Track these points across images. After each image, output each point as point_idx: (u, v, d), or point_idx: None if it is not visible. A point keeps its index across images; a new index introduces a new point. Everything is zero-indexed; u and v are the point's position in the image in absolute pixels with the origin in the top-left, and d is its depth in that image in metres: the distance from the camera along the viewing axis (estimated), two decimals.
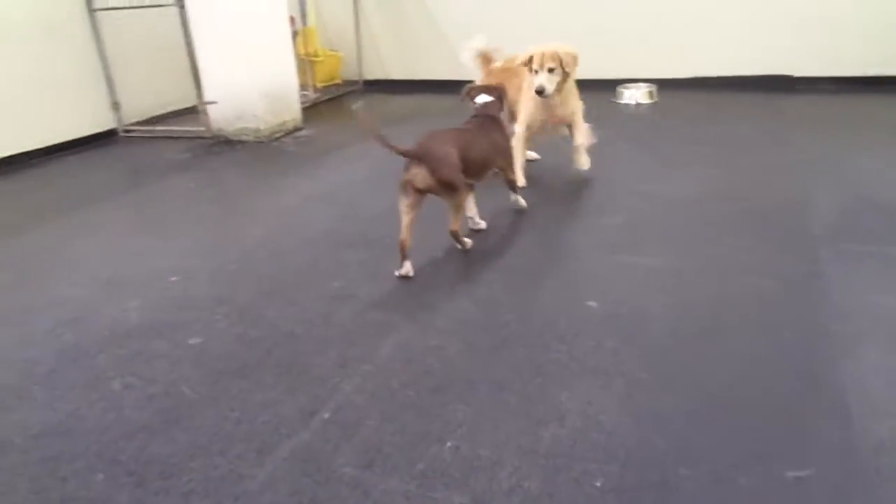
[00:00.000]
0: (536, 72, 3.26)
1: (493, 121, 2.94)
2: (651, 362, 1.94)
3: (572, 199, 3.34)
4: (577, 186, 3.51)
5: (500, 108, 3.02)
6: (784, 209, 3.00)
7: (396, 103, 6.18)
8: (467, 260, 2.71)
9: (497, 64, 3.86)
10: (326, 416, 1.80)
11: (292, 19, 5.84)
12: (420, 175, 2.50)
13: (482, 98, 2.98)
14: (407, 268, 2.58)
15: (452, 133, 2.72)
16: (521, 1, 5.97)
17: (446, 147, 2.58)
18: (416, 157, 2.52)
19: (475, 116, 2.94)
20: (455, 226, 2.68)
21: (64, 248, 3.15)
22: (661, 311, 2.22)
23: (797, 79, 5.36)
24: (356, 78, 6.91)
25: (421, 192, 2.55)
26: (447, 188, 2.55)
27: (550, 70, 3.25)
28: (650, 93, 5.35)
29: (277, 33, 5.07)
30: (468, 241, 2.78)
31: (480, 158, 2.77)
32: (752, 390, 1.80)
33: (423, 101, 6.11)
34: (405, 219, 2.56)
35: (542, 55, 3.25)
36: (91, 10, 4.99)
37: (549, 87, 3.25)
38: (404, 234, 2.56)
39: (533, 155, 3.89)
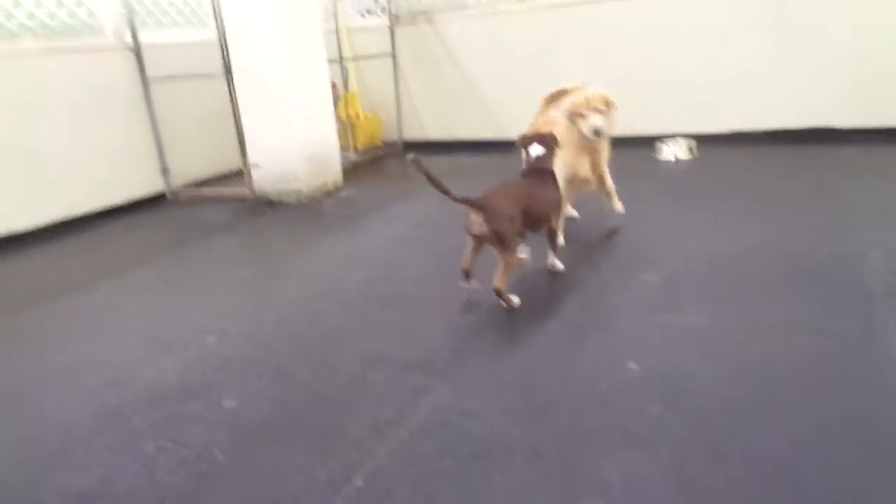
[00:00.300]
0: (583, 115, 3.22)
1: (547, 174, 2.97)
2: (698, 429, 1.85)
3: (611, 256, 3.28)
4: (616, 243, 3.46)
5: (553, 160, 3.02)
6: (836, 264, 2.88)
7: (434, 163, 6.20)
8: (505, 320, 2.67)
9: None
10: (359, 483, 1.75)
11: (335, 85, 6.03)
12: (476, 223, 2.64)
13: (536, 149, 2.98)
14: (473, 284, 2.81)
15: (515, 187, 2.83)
16: (555, 59, 6.04)
17: (506, 200, 2.68)
18: (473, 205, 2.64)
19: (532, 169, 2.97)
20: (500, 283, 2.68)
21: (110, 309, 3.22)
22: (707, 373, 2.12)
23: (842, 131, 5.25)
24: (396, 139, 7.05)
25: (479, 240, 2.69)
26: (498, 239, 2.63)
27: (599, 111, 3.21)
28: (690, 148, 5.30)
29: (320, 99, 5.22)
30: (514, 298, 2.76)
31: (538, 213, 2.85)
32: (811, 460, 1.69)
33: (460, 160, 6.17)
34: (469, 256, 2.78)
35: (591, 97, 3.22)
36: (144, 80, 5.24)
37: (604, 128, 3.22)
38: (465, 263, 2.80)
39: (573, 213, 3.86)
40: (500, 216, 2.62)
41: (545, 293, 2.91)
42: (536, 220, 2.86)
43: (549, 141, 3.00)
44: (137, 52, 5.19)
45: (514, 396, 2.10)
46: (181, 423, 2.11)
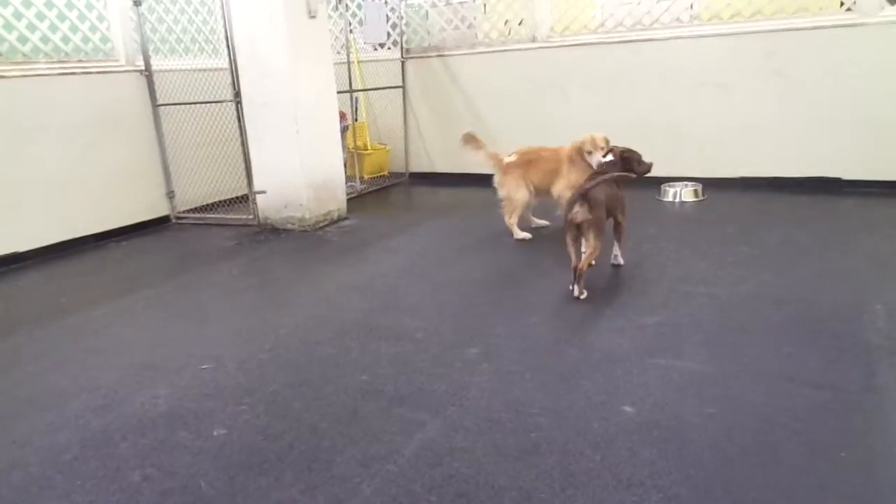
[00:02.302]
0: (591, 153, 4.01)
1: (615, 178, 3.44)
2: (689, 477, 1.81)
3: (611, 296, 3.26)
4: (617, 283, 3.44)
5: (617, 167, 3.53)
6: (838, 316, 2.85)
7: (441, 195, 6.29)
8: (499, 357, 2.64)
9: (512, 157, 4.50)
10: None
11: (344, 115, 6.09)
12: (581, 212, 3.12)
13: (607, 157, 3.63)
14: (580, 289, 3.19)
15: (603, 185, 3.24)
16: (563, 98, 6.11)
17: (600, 194, 3.18)
18: (581, 196, 3.13)
19: (599, 172, 3.49)
20: (586, 265, 3.15)
21: (105, 332, 3.21)
22: (702, 421, 2.09)
23: (846, 181, 5.25)
24: (402, 170, 7.09)
25: (579, 228, 3.15)
26: (597, 226, 3.14)
27: (601, 149, 3.90)
28: (695, 191, 5.31)
29: (327, 128, 5.26)
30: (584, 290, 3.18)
31: (614, 208, 3.38)
32: None
33: (466, 193, 6.20)
34: (572, 250, 3.20)
35: (595, 138, 4.02)
36: (154, 105, 5.31)
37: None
38: (574, 261, 3.19)
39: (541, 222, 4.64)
40: (600, 206, 3.15)
41: (540, 331, 2.89)
42: (611, 214, 3.36)
43: (615, 151, 3.60)
44: (149, 76, 5.27)
45: (506, 435, 2.07)
46: (169, 452, 2.09)
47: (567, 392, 2.33)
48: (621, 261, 3.62)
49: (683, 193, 5.32)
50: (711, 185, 5.42)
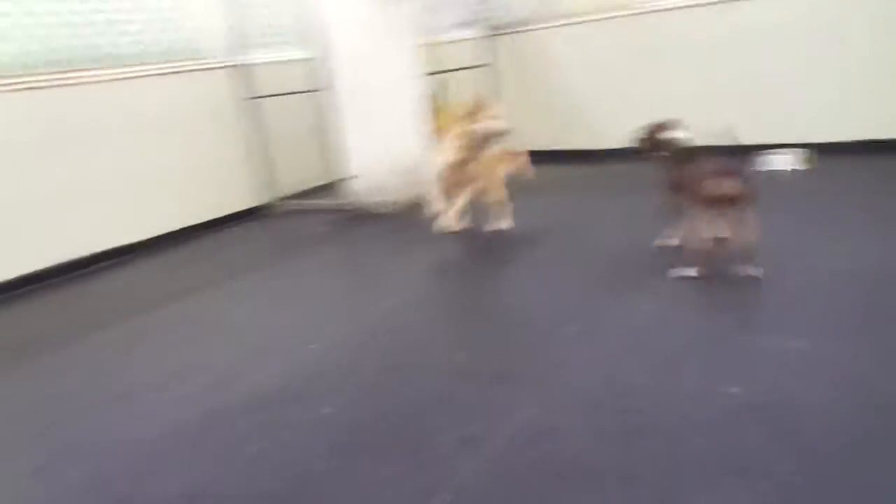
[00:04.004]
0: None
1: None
2: (804, 465, 1.73)
3: (719, 274, 3.13)
4: (721, 259, 3.30)
5: None
6: None
7: (536, 174, 6.21)
8: (599, 336, 2.61)
9: None
10: (448, 498, 1.76)
11: (431, 96, 6.11)
12: (730, 185, 2.85)
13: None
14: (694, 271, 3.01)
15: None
16: (658, 66, 5.87)
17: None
18: (734, 170, 2.90)
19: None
20: (753, 236, 2.89)
21: (216, 316, 3.40)
22: (818, 404, 1.99)
23: None
24: None
25: (731, 202, 2.87)
26: (752, 197, 2.87)
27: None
28: (808, 158, 4.99)
29: (417, 112, 5.31)
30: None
31: None
32: None
33: (557, 170, 6.11)
34: (708, 228, 2.97)
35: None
36: (249, 98, 5.52)
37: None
38: (708, 245, 2.97)
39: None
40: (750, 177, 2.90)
41: (642, 309, 2.82)
42: None
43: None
44: (243, 70, 5.48)
45: (606, 416, 2.05)
46: (281, 428, 2.20)
47: (671, 372, 2.27)
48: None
49: (795, 160, 5.01)
50: (828, 150, 5.07)
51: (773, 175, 4.92)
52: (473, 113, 3.83)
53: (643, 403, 2.10)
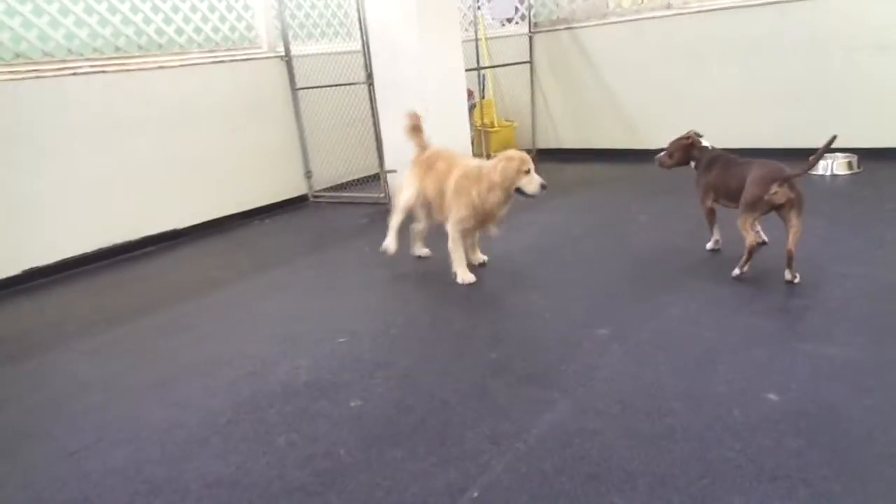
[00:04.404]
0: (529, 172, 3.19)
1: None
2: (844, 472, 1.68)
3: (755, 276, 3.06)
4: (762, 262, 3.23)
5: None
6: None
7: (568, 171, 6.17)
8: (631, 338, 2.57)
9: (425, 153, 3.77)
10: (475, 494, 1.75)
11: (471, 93, 6.11)
12: (783, 192, 2.84)
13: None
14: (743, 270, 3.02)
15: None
16: (701, 69, 5.77)
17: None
18: (783, 178, 2.86)
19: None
20: (794, 244, 2.88)
21: (251, 305, 3.45)
22: (859, 412, 1.93)
23: None
24: (529, 147, 7.02)
25: (780, 208, 2.89)
26: (802, 203, 2.89)
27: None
28: (850, 163, 4.86)
29: (456, 107, 5.30)
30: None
31: None
32: None
33: (594, 169, 6.06)
34: (751, 229, 2.96)
35: (525, 158, 3.23)
36: (294, 89, 5.59)
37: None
38: (753, 240, 2.96)
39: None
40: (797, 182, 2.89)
41: (674, 312, 2.78)
42: None
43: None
44: (289, 62, 5.54)
45: (638, 418, 2.02)
46: (311, 420, 2.22)
47: (703, 376, 2.23)
48: (765, 238, 3.36)
49: (836, 165, 4.88)
50: (868, 157, 4.93)
51: (814, 180, 4.80)
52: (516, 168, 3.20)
53: (674, 406, 2.06)
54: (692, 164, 3.41)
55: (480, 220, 3.36)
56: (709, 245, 3.42)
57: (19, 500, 1.97)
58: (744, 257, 2.99)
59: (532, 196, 3.21)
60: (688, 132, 3.44)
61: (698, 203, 3.37)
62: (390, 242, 3.68)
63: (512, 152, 3.28)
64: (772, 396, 2.05)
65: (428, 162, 3.61)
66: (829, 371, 2.17)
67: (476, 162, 3.47)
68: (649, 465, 1.80)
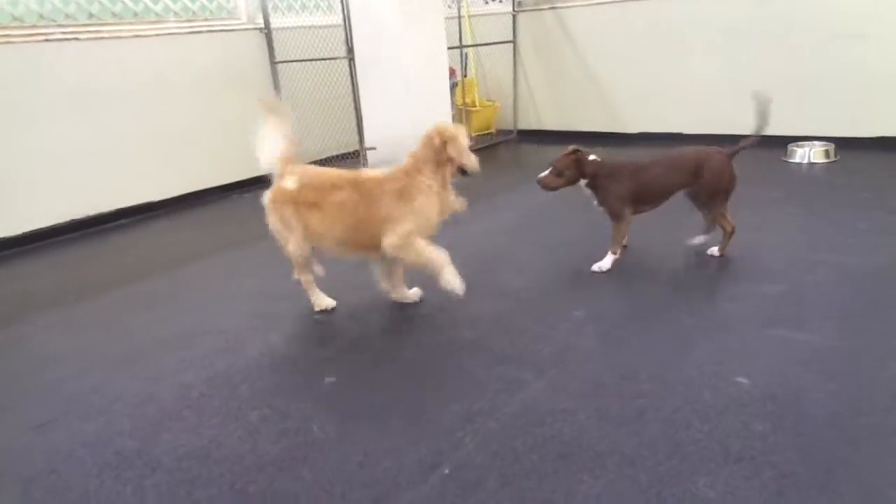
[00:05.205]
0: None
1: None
2: (808, 454, 1.72)
3: (728, 262, 3.10)
4: (735, 249, 3.26)
5: None
6: None
7: (549, 153, 6.12)
8: (605, 320, 2.60)
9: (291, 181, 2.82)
10: (446, 471, 1.76)
11: (453, 71, 6.06)
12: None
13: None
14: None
15: None
16: (683, 51, 5.78)
17: None
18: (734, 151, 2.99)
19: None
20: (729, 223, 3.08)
21: (228, 280, 3.42)
22: (824, 397, 1.97)
23: None
24: (510, 128, 7.01)
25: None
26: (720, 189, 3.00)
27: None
28: (826, 151, 4.92)
29: (438, 85, 5.27)
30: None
31: None
32: None
33: None
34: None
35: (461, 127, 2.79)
36: (273, 62, 5.50)
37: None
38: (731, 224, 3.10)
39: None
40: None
41: (651, 296, 2.81)
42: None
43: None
44: (268, 34, 5.44)
45: (611, 399, 2.04)
46: (284, 395, 2.21)
47: (676, 359, 2.26)
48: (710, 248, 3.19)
49: (813, 154, 4.94)
50: (844, 145, 5.00)
51: (791, 168, 4.86)
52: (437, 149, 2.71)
53: (646, 388, 2.09)
54: (582, 182, 3.09)
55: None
56: (611, 259, 3.12)
57: None
58: (725, 240, 3.10)
59: (475, 173, 2.78)
60: (571, 147, 3.11)
61: (611, 222, 3.09)
62: (321, 300, 2.89)
63: (444, 123, 2.78)
64: (741, 380, 2.09)
65: (306, 194, 2.72)
66: (799, 356, 2.21)
67: (376, 171, 2.78)
68: (618, 445, 1.82)
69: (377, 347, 2.51)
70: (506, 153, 6.40)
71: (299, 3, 5.83)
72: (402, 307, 2.88)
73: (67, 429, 2.12)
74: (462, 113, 6.61)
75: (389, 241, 2.58)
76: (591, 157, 3.06)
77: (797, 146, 5.02)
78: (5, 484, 1.89)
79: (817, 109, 5.28)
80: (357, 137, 5.31)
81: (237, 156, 5.32)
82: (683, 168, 3.00)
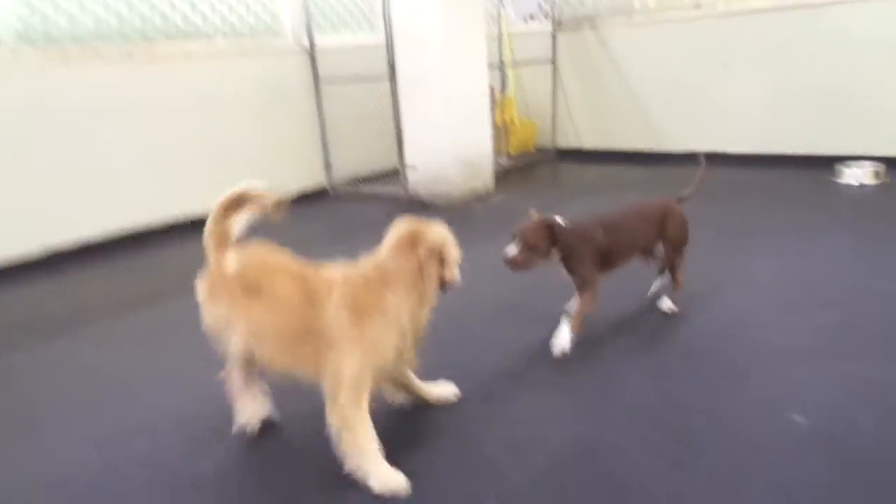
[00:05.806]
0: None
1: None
2: (872, 499, 1.65)
3: (780, 293, 3.02)
4: (787, 278, 3.18)
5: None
6: None
7: (588, 172, 6.12)
8: (653, 349, 2.54)
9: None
10: None
11: (492, 89, 6.06)
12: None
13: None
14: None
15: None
16: (728, 73, 5.69)
17: None
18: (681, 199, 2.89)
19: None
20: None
21: None
22: (884, 434, 1.89)
23: None
24: (549, 146, 6.98)
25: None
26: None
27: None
28: (877, 172, 4.78)
29: (478, 104, 5.27)
30: None
31: None
32: None
33: (614, 170, 6.00)
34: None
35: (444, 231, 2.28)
36: (316, 80, 5.57)
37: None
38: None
39: None
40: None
41: (698, 324, 2.74)
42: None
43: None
44: (312, 53, 5.52)
45: (659, 433, 1.99)
46: None
47: (727, 392, 2.19)
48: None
49: (863, 175, 4.80)
50: (894, 166, 4.85)
51: (841, 190, 4.73)
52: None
53: (696, 422, 2.03)
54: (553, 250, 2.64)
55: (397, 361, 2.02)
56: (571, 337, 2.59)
57: (39, 482, 1.98)
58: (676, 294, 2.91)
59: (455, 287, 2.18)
60: (536, 215, 2.69)
61: (579, 292, 2.67)
62: (248, 415, 2.18)
63: (425, 226, 2.19)
64: (798, 418, 2.01)
65: (248, 280, 2.17)
66: (860, 392, 2.13)
67: (336, 267, 2.18)
68: (670, 484, 1.77)
69: (419, 373, 2.50)
70: (544, 173, 6.36)
71: (342, 22, 5.91)
72: (440, 332, 2.84)
73: (122, 447, 2.14)
74: (501, 131, 6.60)
75: (328, 410, 1.83)
76: (558, 219, 2.66)
77: (846, 166, 4.89)
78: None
79: (866, 128, 5.14)
80: (397, 156, 5.33)
81: (280, 172, 5.42)
82: (651, 220, 2.79)
